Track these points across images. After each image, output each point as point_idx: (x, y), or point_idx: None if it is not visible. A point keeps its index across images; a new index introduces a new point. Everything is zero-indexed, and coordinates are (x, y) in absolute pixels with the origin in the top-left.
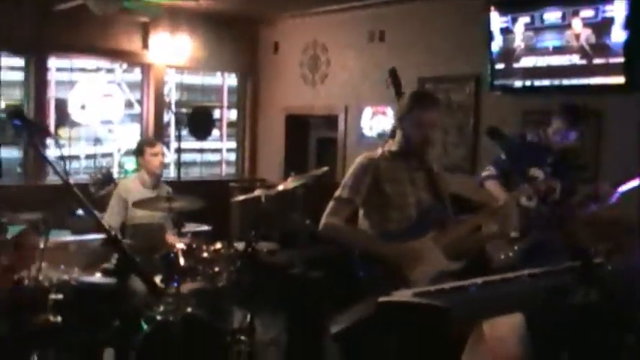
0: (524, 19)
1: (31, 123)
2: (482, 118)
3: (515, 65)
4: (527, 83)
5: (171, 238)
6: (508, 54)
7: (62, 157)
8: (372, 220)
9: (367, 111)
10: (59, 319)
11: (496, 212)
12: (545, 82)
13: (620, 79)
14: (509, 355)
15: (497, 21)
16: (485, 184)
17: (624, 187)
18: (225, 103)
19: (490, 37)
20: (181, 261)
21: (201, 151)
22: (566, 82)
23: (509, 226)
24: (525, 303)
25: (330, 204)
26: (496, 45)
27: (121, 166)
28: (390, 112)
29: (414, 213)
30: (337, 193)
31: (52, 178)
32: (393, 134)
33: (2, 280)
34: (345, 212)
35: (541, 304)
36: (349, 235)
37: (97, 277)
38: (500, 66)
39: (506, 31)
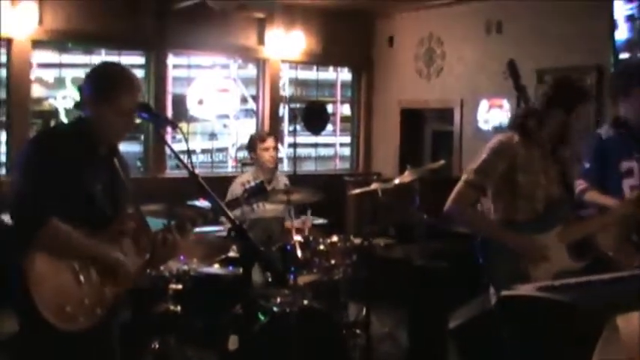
0: None
1: (159, 117)
2: (605, 110)
3: None
4: None
5: (290, 225)
6: (633, 43)
7: (187, 150)
8: (497, 206)
9: (483, 104)
10: (179, 308)
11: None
12: None
13: None
14: None
15: (621, 8)
16: (586, 199)
17: None
18: (339, 98)
19: (614, 25)
20: (298, 253)
21: (315, 145)
22: None
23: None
24: None
25: (458, 187)
26: (620, 34)
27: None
28: (506, 104)
29: (541, 207)
30: (467, 176)
31: (170, 172)
32: (520, 124)
33: (141, 274)
34: (473, 197)
35: None
36: (476, 220)
37: (216, 268)
38: (624, 55)
39: (631, 19)
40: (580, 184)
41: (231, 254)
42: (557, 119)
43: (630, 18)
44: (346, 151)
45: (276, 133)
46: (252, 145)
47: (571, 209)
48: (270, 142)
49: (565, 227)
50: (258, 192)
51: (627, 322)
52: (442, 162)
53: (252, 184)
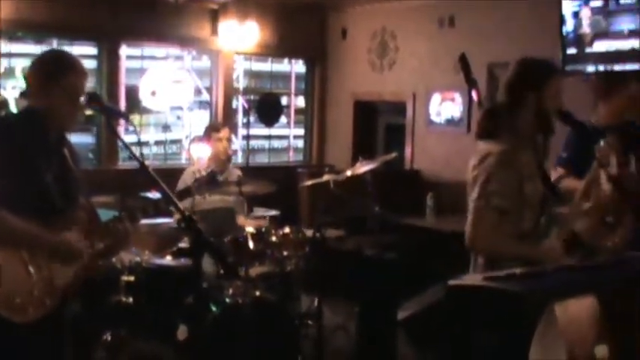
0: (596, 2)
1: (108, 108)
2: None
3: (588, 50)
4: (601, 68)
5: (243, 221)
6: (580, 38)
7: (139, 142)
8: (508, 218)
9: (435, 97)
10: (131, 300)
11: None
12: (621, 67)
13: None
14: (582, 337)
15: (569, 4)
16: (563, 185)
17: None
18: (293, 90)
19: (562, 21)
20: (250, 245)
21: (268, 137)
22: None
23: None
24: (601, 290)
25: (478, 214)
26: (568, 29)
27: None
28: (458, 98)
29: (538, 209)
30: (481, 201)
31: (123, 163)
32: (496, 118)
33: (93, 265)
34: (496, 222)
35: (618, 292)
36: (506, 248)
37: (168, 260)
38: (572, 51)
39: (578, 15)
40: (556, 172)
41: (182, 245)
42: (530, 103)
43: (577, 14)
44: (300, 144)
45: (229, 125)
46: (206, 134)
47: (556, 205)
48: (224, 132)
49: (560, 226)
50: (209, 182)
51: (565, 309)
52: (394, 154)
53: (203, 173)
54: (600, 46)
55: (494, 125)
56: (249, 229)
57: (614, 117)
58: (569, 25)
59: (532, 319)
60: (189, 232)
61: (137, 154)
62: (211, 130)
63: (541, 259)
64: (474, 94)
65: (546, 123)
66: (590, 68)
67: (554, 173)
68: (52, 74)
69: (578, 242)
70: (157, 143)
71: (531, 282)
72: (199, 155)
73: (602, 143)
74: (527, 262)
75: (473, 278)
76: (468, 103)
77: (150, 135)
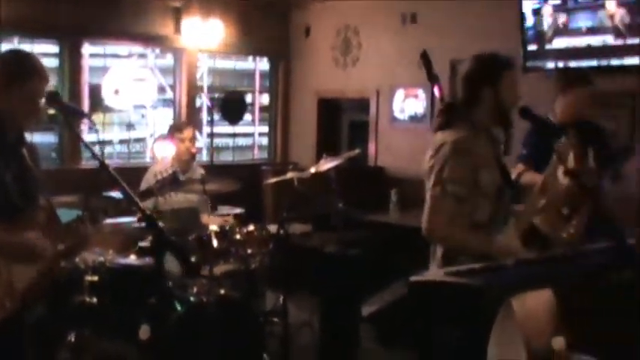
0: (555, 0)
1: (68, 107)
2: None
3: (548, 47)
4: (560, 64)
5: (206, 219)
6: (540, 35)
7: (99, 141)
8: (463, 207)
9: (399, 94)
10: (95, 300)
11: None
12: (579, 64)
13: None
14: (540, 331)
15: (529, 2)
16: (524, 180)
17: None
18: (257, 88)
19: (522, 18)
20: (214, 243)
21: (233, 135)
22: (600, 62)
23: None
24: (559, 284)
25: (435, 202)
26: (528, 26)
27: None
28: (422, 94)
29: (494, 199)
30: (437, 188)
31: (86, 163)
32: (453, 111)
33: (55, 265)
34: (454, 211)
35: (575, 286)
36: (462, 239)
37: (132, 259)
38: (532, 47)
39: (537, 12)
40: (517, 168)
41: (144, 244)
42: (487, 97)
43: (537, 11)
44: (265, 141)
45: (194, 123)
46: (169, 134)
47: (512, 196)
48: (187, 132)
49: (515, 217)
50: (171, 182)
51: (522, 303)
52: (358, 151)
53: (165, 174)
54: (560, 43)
55: (451, 118)
56: (213, 227)
57: (570, 112)
58: (529, 22)
59: (491, 312)
60: (150, 231)
61: (98, 153)
62: (174, 129)
63: (498, 251)
64: (436, 91)
65: (504, 116)
66: (550, 64)
67: (515, 169)
68: (14, 76)
69: (536, 235)
70: (121, 142)
71: (490, 276)
72: (163, 154)
73: (562, 139)
74: (484, 255)
75: (434, 274)
76: (431, 99)
77: (114, 134)
